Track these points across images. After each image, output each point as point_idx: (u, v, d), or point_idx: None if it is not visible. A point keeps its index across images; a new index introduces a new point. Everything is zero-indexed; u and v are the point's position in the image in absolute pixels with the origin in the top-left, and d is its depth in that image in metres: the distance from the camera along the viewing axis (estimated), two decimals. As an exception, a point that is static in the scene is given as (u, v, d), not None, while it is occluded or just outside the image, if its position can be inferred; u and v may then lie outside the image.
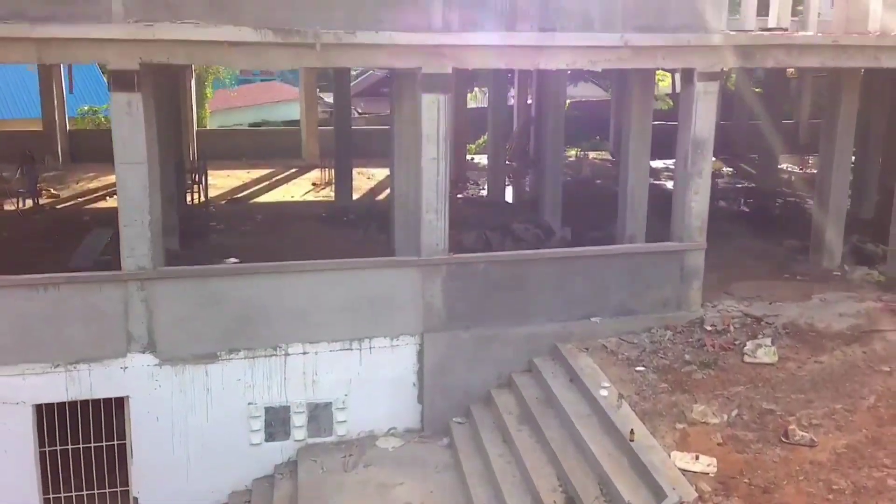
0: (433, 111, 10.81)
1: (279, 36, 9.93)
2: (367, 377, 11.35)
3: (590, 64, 11.24)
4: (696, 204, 11.98)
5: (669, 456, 8.89)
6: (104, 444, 10.63)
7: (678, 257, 12.18)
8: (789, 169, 24.64)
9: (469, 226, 15.83)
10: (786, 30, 13.31)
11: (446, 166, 11.08)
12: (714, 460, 8.81)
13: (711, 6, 11.36)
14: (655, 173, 21.07)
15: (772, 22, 13.94)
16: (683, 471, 8.63)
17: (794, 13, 14.88)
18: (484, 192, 21.16)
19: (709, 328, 11.95)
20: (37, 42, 9.41)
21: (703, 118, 11.73)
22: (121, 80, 9.77)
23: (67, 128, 23.80)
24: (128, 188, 10.06)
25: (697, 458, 8.84)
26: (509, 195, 21.06)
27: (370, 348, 11.32)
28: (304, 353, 11.12)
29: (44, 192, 19.26)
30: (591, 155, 27.39)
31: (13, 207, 18.10)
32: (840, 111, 13.93)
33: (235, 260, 12.86)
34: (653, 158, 14.24)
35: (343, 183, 19.09)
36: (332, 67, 10.50)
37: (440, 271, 11.34)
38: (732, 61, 11.65)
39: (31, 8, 9.37)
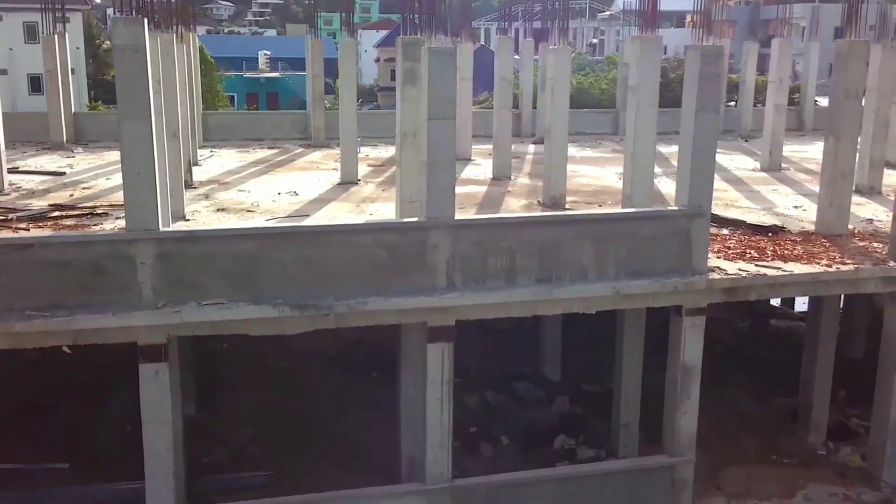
0: (438, 358, 11.58)
1: (296, 311, 10.71)
2: None
3: (584, 308, 12.03)
4: (685, 423, 12.74)
5: None
6: None
7: (669, 472, 12.92)
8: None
9: (470, 375, 16.33)
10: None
11: (450, 407, 11.83)
12: None
13: (697, 250, 12.16)
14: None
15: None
16: None
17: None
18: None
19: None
20: (74, 332, 10.19)
21: (692, 347, 12.49)
22: (149, 353, 10.54)
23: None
24: (154, 447, 10.80)
25: None
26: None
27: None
28: None
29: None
30: None
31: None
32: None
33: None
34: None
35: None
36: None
37: (445, 499, 12.07)
38: (717, 298, 12.45)
39: (67, 299, 10.15)
